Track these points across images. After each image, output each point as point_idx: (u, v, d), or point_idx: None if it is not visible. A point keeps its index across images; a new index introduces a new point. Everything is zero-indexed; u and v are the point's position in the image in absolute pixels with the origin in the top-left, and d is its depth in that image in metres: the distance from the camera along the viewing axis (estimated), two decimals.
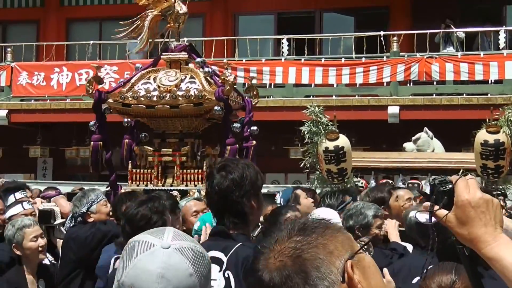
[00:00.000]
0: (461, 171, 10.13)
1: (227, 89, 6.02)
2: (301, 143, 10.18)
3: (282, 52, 16.23)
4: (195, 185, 6.07)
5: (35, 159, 18.71)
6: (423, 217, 4.23)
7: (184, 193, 5.96)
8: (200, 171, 6.16)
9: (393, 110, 14.94)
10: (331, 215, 4.96)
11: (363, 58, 15.54)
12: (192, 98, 6.03)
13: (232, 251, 3.12)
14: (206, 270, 1.68)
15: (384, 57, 15.42)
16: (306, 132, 9.30)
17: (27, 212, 5.49)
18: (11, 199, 6.04)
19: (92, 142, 6.45)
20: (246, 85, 6.54)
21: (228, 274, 3.08)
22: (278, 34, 17.85)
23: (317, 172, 9.41)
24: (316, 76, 15.53)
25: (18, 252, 4.79)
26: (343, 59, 15.72)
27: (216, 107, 6.00)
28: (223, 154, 6.12)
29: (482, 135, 8.88)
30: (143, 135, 6.67)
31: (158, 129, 6.47)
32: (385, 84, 15.55)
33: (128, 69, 16.68)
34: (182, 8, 6.46)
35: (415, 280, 3.82)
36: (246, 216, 3.23)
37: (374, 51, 15.75)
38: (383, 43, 15.59)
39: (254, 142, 6.51)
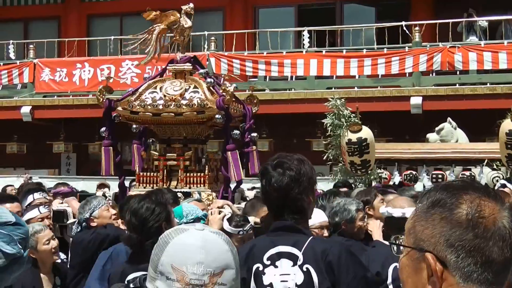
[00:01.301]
0: (485, 161, 10.06)
1: (227, 99, 6.39)
2: (324, 136, 10.15)
3: (303, 44, 16.16)
4: (197, 187, 6.46)
5: (59, 155, 18.83)
6: (398, 212, 4.37)
7: (187, 195, 6.25)
8: (202, 174, 6.56)
9: (416, 100, 14.83)
10: (318, 214, 5.03)
11: (385, 49, 15.44)
12: (195, 106, 6.43)
13: (306, 245, 3.13)
14: (237, 256, 1.74)
15: (406, 48, 15.29)
16: (328, 125, 9.28)
17: (43, 216, 5.74)
18: (30, 198, 6.32)
19: (103, 147, 6.88)
20: (248, 94, 6.97)
21: (307, 268, 3.08)
22: (299, 26, 17.78)
23: (340, 164, 9.39)
24: (337, 68, 15.45)
25: (33, 256, 4.94)
26: (364, 50, 15.63)
27: (217, 115, 6.39)
28: (225, 159, 6.56)
29: (507, 125, 8.79)
30: (151, 140, 7.10)
31: (164, 135, 6.88)
32: (407, 75, 15.43)
33: (149, 63, 16.72)
34: (187, 22, 6.85)
35: (392, 267, 4.06)
36: (305, 212, 3.27)
37: (396, 41, 15.63)
38: (406, 32, 15.47)
39: (254, 147, 6.85)
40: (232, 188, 6.79)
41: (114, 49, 17.49)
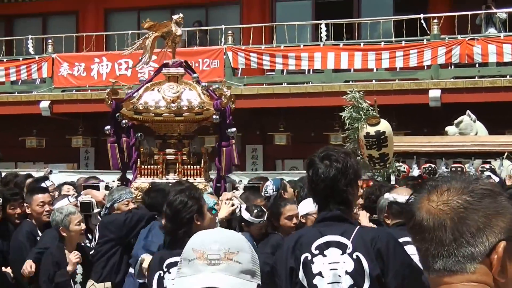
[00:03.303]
0: (505, 154, 9.98)
1: (225, 102, 7.18)
2: (342, 129, 10.11)
3: (321, 38, 16.10)
4: (194, 179, 7.07)
5: (78, 149, 18.94)
6: (402, 198, 4.70)
7: None
8: (198, 167, 7.29)
9: (435, 93, 14.74)
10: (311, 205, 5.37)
11: (403, 42, 15.35)
12: (194, 108, 7.19)
13: (354, 233, 3.26)
14: (254, 251, 1.84)
15: (425, 40, 15.20)
16: (346, 118, 9.24)
17: (71, 204, 6.40)
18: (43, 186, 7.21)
19: (109, 144, 7.65)
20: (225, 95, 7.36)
21: (357, 255, 3.21)
22: (316, 19, 17.71)
23: (358, 157, 9.35)
24: (355, 61, 15.39)
25: (64, 234, 5.76)
26: (382, 43, 15.55)
27: (214, 116, 7.18)
28: (220, 154, 7.31)
29: None
30: (139, 134, 7.78)
31: (160, 132, 7.55)
32: (425, 68, 15.34)
33: (167, 57, 16.73)
34: (178, 31, 7.63)
35: None
36: (350, 203, 3.43)
37: (414, 34, 15.54)
38: (424, 25, 15.37)
39: (233, 141, 7.50)
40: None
41: (132, 44, 17.50)
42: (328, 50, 15.56)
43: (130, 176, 7.73)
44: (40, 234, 6.35)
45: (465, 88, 14.81)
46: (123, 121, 7.40)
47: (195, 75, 7.68)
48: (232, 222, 6.13)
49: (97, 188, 7.41)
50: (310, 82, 16.01)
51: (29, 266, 5.82)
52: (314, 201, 3.53)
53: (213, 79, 15.27)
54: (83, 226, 5.87)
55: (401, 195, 4.86)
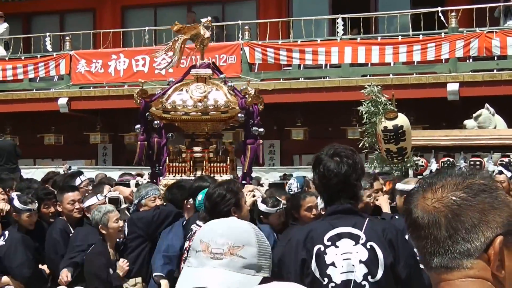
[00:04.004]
0: None
1: (249, 100, 7.44)
2: (359, 123, 10.07)
3: (337, 32, 16.05)
4: (221, 176, 7.36)
5: (96, 146, 19.02)
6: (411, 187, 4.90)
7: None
8: (224, 164, 7.58)
9: (453, 87, 14.64)
10: None
11: (421, 35, 15.25)
12: (221, 107, 7.46)
13: (365, 225, 3.45)
14: (265, 243, 1.87)
15: (442, 34, 15.09)
16: (364, 112, 9.21)
17: (100, 202, 6.61)
18: (77, 181, 7.42)
19: (138, 142, 7.84)
20: (254, 92, 7.64)
21: (371, 245, 3.40)
22: (333, 14, 17.65)
23: (376, 152, 9.32)
24: (372, 55, 15.32)
25: (103, 232, 5.97)
26: (399, 37, 15.46)
27: (239, 114, 7.46)
28: (245, 152, 7.57)
29: None
30: (170, 135, 8.09)
31: (188, 131, 7.84)
32: (443, 61, 15.24)
33: (184, 53, 16.75)
34: (206, 33, 7.94)
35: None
36: (358, 197, 3.68)
37: (431, 27, 15.43)
38: (442, 18, 15.27)
39: (261, 141, 7.79)
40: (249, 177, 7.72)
41: (149, 40, 17.57)
42: (345, 45, 15.50)
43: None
44: (72, 230, 6.55)
45: (483, 81, 14.69)
46: (155, 122, 7.73)
47: (222, 75, 8.01)
48: (254, 213, 6.27)
49: (127, 185, 7.61)
50: (327, 77, 15.96)
51: (65, 276, 6.01)
52: (323, 196, 3.69)
53: (230, 74, 15.28)
54: (120, 223, 6.06)
55: (410, 184, 5.19)
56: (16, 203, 6.39)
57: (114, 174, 11.57)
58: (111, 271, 5.92)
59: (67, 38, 17.84)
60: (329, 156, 3.54)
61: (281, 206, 6.17)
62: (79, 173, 8.06)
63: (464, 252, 1.50)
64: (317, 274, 3.41)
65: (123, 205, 7.00)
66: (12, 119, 18.15)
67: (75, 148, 18.41)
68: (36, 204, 6.47)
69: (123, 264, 5.96)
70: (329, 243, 3.42)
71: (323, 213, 5.91)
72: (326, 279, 3.41)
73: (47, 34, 18.21)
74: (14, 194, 6.83)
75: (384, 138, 8.88)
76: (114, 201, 6.88)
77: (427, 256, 1.54)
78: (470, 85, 14.69)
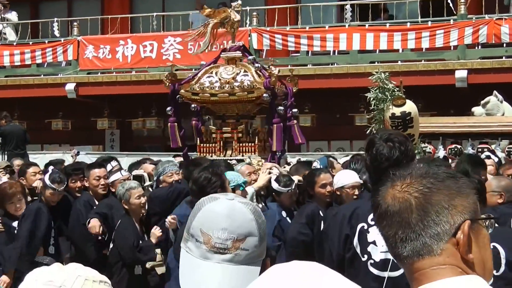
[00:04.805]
0: None
1: (273, 80, 7.61)
2: (367, 110, 10.05)
3: (346, 19, 15.99)
4: (249, 156, 7.72)
5: (103, 131, 19.05)
6: None
7: (240, 161, 7.52)
8: (253, 144, 7.88)
9: (461, 74, 14.60)
10: (350, 175, 6.16)
11: (429, 22, 15.19)
12: (246, 87, 7.69)
13: None
14: (263, 225, 1.87)
15: (451, 20, 15.02)
16: (372, 99, 9.18)
17: (124, 178, 6.99)
18: (108, 167, 7.63)
19: (169, 124, 8.15)
20: (289, 76, 8.15)
21: None
22: (341, 0, 17.58)
23: None
24: (380, 42, 15.26)
25: (126, 207, 6.22)
26: (408, 24, 15.41)
27: (264, 95, 7.61)
28: (271, 132, 7.78)
29: None
30: (207, 117, 8.54)
31: (219, 112, 8.16)
32: (452, 48, 15.18)
33: (191, 40, 16.72)
34: (236, 17, 8.17)
35: None
36: None
37: (440, 14, 15.37)
38: (450, 5, 15.19)
39: (295, 121, 8.07)
40: (278, 156, 7.96)
41: (157, 26, 17.55)
42: (353, 31, 15.45)
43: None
44: (96, 203, 6.90)
45: (492, 68, 14.65)
46: (192, 105, 8.01)
47: (250, 57, 8.25)
48: (269, 190, 6.54)
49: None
50: (335, 63, 15.93)
51: (98, 226, 6.37)
52: (372, 177, 3.78)
53: None
54: (143, 199, 6.23)
55: None
56: (46, 177, 6.70)
57: (122, 160, 11.60)
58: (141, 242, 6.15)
59: (75, 23, 17.82)
60: (383, 140, 3.59)
61: (293, 187, 6.28)
62: (110, 159, 8.30)
63: (434, 235, 1.53)
64: (358, 250, 3.63)
65: (147, 182, 7.32)
66: (20, 104, 18.19)
67: (83, 134, 18.45)
68: (63, 185, 6.70)
69: (156, 232, 6.12)
70: (373, 222, 3.46)
71: (338, 193, 6.11)
72: (366, 256, 3.61)
73: (55, 19, 18.20)
74: (50, 168, 7.46)
75: (392, 124, 8.85)
76: (138, 178, 7.20)
77: (399, 244, 1.57)
78: (478, 72, 14.65)
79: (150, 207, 6.50)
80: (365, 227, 3.62)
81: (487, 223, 1.60)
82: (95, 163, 7.54)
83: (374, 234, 3.54)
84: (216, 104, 7.99)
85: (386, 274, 3.52)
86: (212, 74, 7.93)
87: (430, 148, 9.91)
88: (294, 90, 8.24)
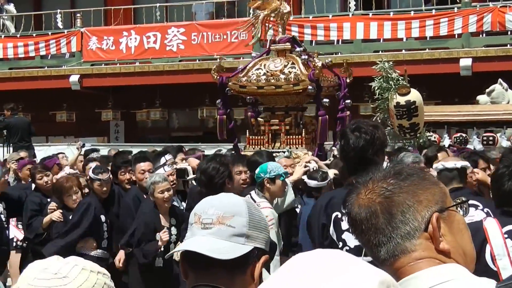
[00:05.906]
0: None
1: (317, 73, 7.68)
2: (371, 99, 10.04)
3: (349, 8, 15.94)
4: (297, 148, 7.80)
5: (108, 123, 19.07)
6: (451, 164, 4.87)
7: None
8: (300, 136, 7.93)
9: (466, 62, 14.55)
10: None
11: (433, 10, 15.14)
12: (291, 80, 7.77)
13: None
14: (258, 215, 1.88)
15: (455, 8, 14.97)
16: (376, 88, 9.17)
17: (167, 173, 6.93)
18: (163, 160, 7.61)
19: (218, 116, 8.32)
20: (344, 65, 8.38)
21: None
22: None
23: (389, 127, 9.29)
24: (384, 31, 15.23)
25: (152, 199, 6.31)
26: (412, 12, 15.35)
27: (309, 87, 7.66)
28: (316, 124, 7.87)
29: None
30: (261, 108, 8.53)
31: (269, 105, 8.26)
32: (456, 36, 15.14)
33: (195, 30, 16.71)
34: (286, 8, 8.35)
35: None
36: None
37: (444, 2, 15.31)
38: None
39: (348, 112, 8.21)
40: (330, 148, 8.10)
41: (160, 17, 17.52)
42: (357, 20, 15.40)
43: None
44: (144, 197, 6.98)
45: (496, 56, 14.59)
46: (248, 97, 8.15)
47: (298, 49, 8.26)
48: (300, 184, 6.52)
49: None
50: (339, 53, 15.88)
51: (123, 260, 6.52)
52: (345, 167, 3.96)
53: (241, 51, 15.24)
54: (166, 194, 6.23)
55: (448, 161, 5.09)
56: (90, 172, 6.93)
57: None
58: (157, 236, 6.15)
59: (78, 15, 17.82)
60: (351, 130, 3.69)
61: (330, 179, 6.31)
62: (164, 152, 8.29)
63: (405, 235, 1.54)
64: (334, 238, 3.81)
65: (191, 176, 7.34)
66: (24, 97, 18.20)
67: (87, 125, 18.46)
68: (107, 174, 6.90)
69: (162, 235, 6.14)
70: (345, 210, 3.56)
71: None
72: (341, 243, 3.77)
73: (58, 11, 18.19)
74: (92, 164, 7.60)
75: (397, 113, 8.85)
76: (181, 172, 7.27)
77: (374, 249, 1.58)
78: (483, 60, 14.60)
79: (188, 202, 6.59)
80: (339, 216, 3.79)
81: (463, 208, 1.63)
82: (141, 157, 7.60)
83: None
84: (264, 96, 8.07)
85: (360, 260, 3.59)
86: (261, 66, 8.02)
87: (435, 137, 9.89)
88: (348, 81, 8.31)
